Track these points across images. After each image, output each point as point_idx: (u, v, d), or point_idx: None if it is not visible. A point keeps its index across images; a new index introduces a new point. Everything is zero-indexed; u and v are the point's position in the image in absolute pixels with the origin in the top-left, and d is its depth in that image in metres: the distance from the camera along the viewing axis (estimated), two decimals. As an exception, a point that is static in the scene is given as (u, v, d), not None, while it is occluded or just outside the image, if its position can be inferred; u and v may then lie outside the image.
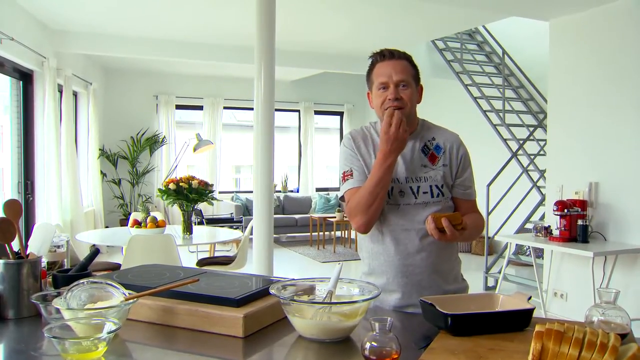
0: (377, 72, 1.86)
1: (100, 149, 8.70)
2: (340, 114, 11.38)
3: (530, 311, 1.40)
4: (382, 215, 1.84)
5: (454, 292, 1.87)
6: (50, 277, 1.72)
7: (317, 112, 11.08)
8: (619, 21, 4.69)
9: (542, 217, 6.10)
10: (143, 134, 9.59)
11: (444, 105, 8.49)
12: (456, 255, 1.96)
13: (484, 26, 8.24)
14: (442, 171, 1.86)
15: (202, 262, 5.25)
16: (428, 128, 1.94)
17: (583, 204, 4.71)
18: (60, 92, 6.74)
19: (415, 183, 1.85)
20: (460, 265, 1.98)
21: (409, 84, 1.82)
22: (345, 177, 1.88)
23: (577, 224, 4.61)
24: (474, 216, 1.89)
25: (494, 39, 8.29)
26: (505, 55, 7.92)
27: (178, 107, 10.00)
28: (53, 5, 5.70)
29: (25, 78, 6.02)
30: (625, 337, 1.24)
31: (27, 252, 1.64)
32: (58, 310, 1.33)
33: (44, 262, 1.83)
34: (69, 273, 1.68)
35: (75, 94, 7.85)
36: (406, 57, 1.87)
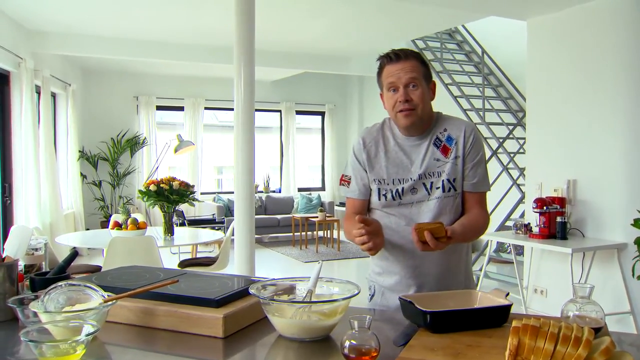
0: (385, 73, 1.81)
1: (80, 151, 8.61)
2: (322, 113, 11.39)
3: (507, 307, 1.42)
4: (392, 214, 1.83)
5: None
6: (28, 280, 1.70)
7: (298, 112, 11.07)
8: (595, 20, 4.76)
9: (522, 215, 6.16)
10: (123, 135, 9.51)
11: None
12: (465, 256, 1.92)
13: (463, 26, 8.30)
14: (455, 163, 1.82)
15: (183, 264, 5.22)
16: (442, 120, 1.89)
17: (562, 201, 4.77)
18: (38, 93, 6.65)
19: (428, 179, 1.81)
20: (470, 266, 1.95)
21: (418, 84, 1.78)
22: (342, 182, 1.92)
23: (556, 221, 4.68)
24: (475, 214, 1.83)
25: (473, 38, 8.35)
26: (485, 55, 7.98)
27: (159, 108, 9.93)
28: (30, 5, 5.62)
29: (1, 79, 5.93)
30: (599, 330, 1.26)
31: (4, 256, 1.62)
32: (35, 314, 1.31)
33: (21, 265, 1.80)
34: (47, 276, 1.67)
35: (53, 95, 7.76)
36: (414, 55, 1.81)
